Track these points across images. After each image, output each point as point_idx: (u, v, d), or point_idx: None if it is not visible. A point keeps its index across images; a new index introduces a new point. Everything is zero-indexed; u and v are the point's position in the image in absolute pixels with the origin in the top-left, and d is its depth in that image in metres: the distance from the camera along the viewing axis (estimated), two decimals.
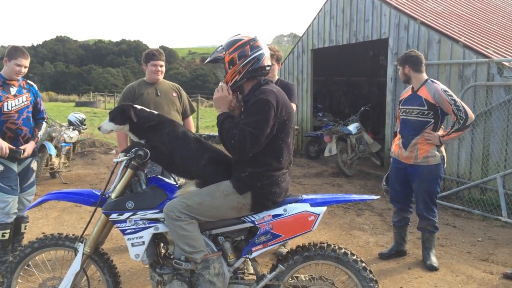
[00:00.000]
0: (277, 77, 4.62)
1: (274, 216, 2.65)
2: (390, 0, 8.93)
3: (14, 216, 4.20)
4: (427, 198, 4.33)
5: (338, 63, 13.95)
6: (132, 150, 2.65)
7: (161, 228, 2.65)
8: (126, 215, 2.62)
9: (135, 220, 2.63)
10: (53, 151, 7.62)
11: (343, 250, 2.73)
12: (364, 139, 9.57)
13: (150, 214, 2.63)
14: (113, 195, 2.69)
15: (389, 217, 5.78)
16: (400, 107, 4.49)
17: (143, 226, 2.63)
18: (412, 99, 4.35)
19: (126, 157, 2.66)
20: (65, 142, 8.27)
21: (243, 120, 2.56)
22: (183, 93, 4.63)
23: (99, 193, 2.79)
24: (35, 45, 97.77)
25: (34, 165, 4.41)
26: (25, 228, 4.45)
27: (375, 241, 5.14)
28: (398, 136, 4.50)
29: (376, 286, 2.72)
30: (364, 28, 9.58)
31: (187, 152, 2.73)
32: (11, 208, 4.12)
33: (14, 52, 4.12)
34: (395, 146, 4.53)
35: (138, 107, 2.85)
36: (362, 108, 9.87)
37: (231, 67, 2.63)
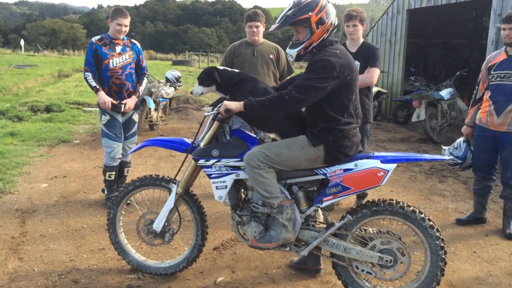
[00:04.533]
0: (362, 39, 4.63)
1: (345, 170, 2.83)
2: None
3: (119, 161, 4.82)
4: None
5: (436, 24, 13.17)
6: (219, 105, 2.95)
7: (242, 175, 2.95)
8: (212, 161, 2.96)
9: (219, 166, 2.96)
10: (152, 105, 8.32)
11: (411, 208, 2.84)
12: (457, 106, 9.16)
13: (233, 162, 2.94)
14: (201, 144, 3.04)
15: None
16: (493, 72, 4.31)
17: (226, 172, 2.96)
18: (510, 64, 4.18)
19: (213, 111, 2.98)
20: (162, 97, 8.96)
21: (304, 75, 2.76)
22: (282, 54, 4.72)
23: (190, 142, 3.16)
24: (137, 5, 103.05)
25: (136, 117, 4.96)
26: (127, 172, 5.08)
27: (454, 207, 5.09)
28: (487, 103, 4.35)
29: (442, 244, 2.82)
30: None
31: None
32: (116, 153, 4.72)
33: (115, 12, 4.60)
34: (482, 114, 4.39)
35: (221, 67, 3.14)
36: (458, 73, 9.36)
37: (319, 26, 2.78)
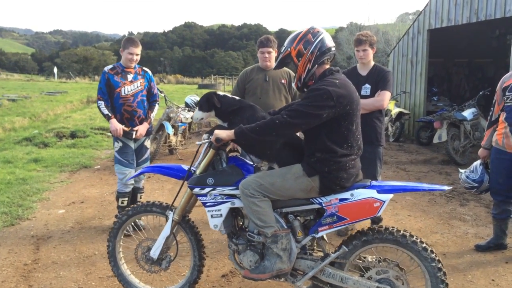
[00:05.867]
0: (372, 63, 4.60)
1: (341, 199, 2.76)
2: None
3: (131, 187, 4.87)
4: None
5: (459, 43, 12.96)
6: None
7: (237, 203, 2.92)
8: (207, 190, 2.94)
9: (214, 195, 2.94)
10: (170, 130, 8.44)
11: (401, 232, 2.75)
12: (481, 126, 8.91)
13: (228, 190, 2.92)
14: (197, 171, 3.03)
15: None
16: (507, 93, 4.21)
17: (221, 200, 2.93)
18: None
19: (208, 139, 2.97)
20: (181, 122, 9.08)
21: (299, 101, 2.74)
22: None
23: (187, 168, 3.15)
24: (166, 31, 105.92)
25: (147, 143, 5.03)
26: (140, 197, 5.11)
27: (474, 232, 4.90)
28: (503, 124, 4.22)
29: (440, 266, 2.71)
30: (487, 6, 8.83)
31: None
32: (128, 179, 4.77)
33: (126, 42, 4.73)
34: (498, 136, 4.26)
35: (221, 93, 3.13)
36: (481, 92, 9.15)
37: (300, 58, 2.77)
